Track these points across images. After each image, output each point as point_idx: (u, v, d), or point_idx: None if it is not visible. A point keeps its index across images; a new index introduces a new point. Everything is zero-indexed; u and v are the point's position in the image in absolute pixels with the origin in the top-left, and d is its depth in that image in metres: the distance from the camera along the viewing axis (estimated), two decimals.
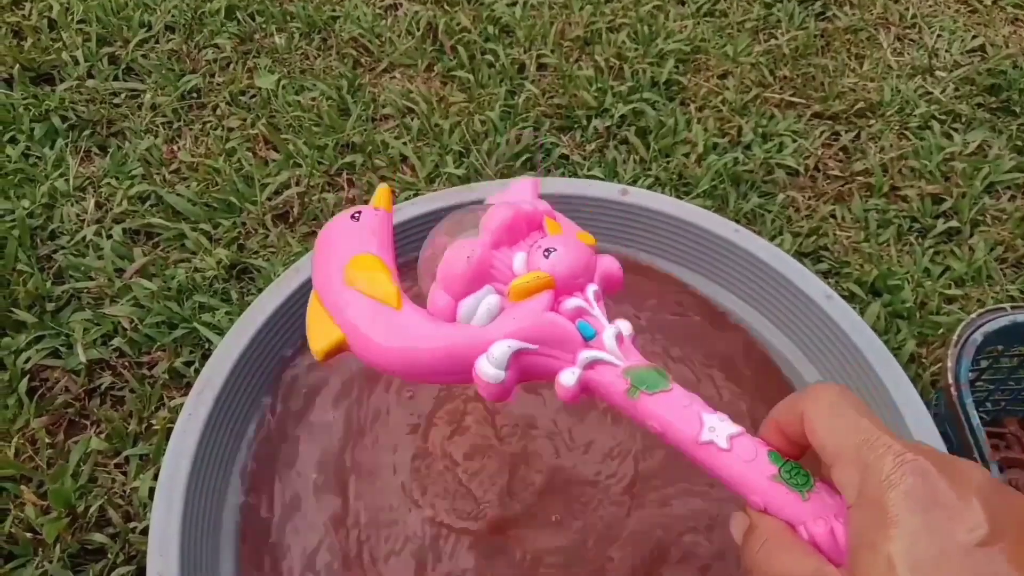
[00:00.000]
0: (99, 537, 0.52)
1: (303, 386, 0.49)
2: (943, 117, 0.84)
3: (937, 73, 0.89)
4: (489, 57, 0.86)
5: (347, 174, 0.75)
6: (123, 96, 0.81)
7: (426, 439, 0.46)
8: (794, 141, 0.80)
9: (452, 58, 0.87)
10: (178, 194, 0.72)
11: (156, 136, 0.78)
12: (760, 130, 0.80)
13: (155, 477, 0.52)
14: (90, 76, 0.83)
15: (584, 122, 0.80)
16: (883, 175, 0.77)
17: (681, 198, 0.66)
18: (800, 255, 0.70)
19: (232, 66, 0.85)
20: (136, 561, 0.52)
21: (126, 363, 0.61)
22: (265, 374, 0.48)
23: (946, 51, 0.92)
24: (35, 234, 0.69)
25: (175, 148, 0.77)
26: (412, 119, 0.80)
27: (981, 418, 0.47)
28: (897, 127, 0.83)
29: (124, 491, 0.55)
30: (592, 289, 0.31)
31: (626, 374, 0.29)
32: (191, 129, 0.79)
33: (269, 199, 0.72)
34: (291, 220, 0.72)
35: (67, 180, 0.72)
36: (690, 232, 0.53)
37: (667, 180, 0.75)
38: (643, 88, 0.84)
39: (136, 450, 0.57)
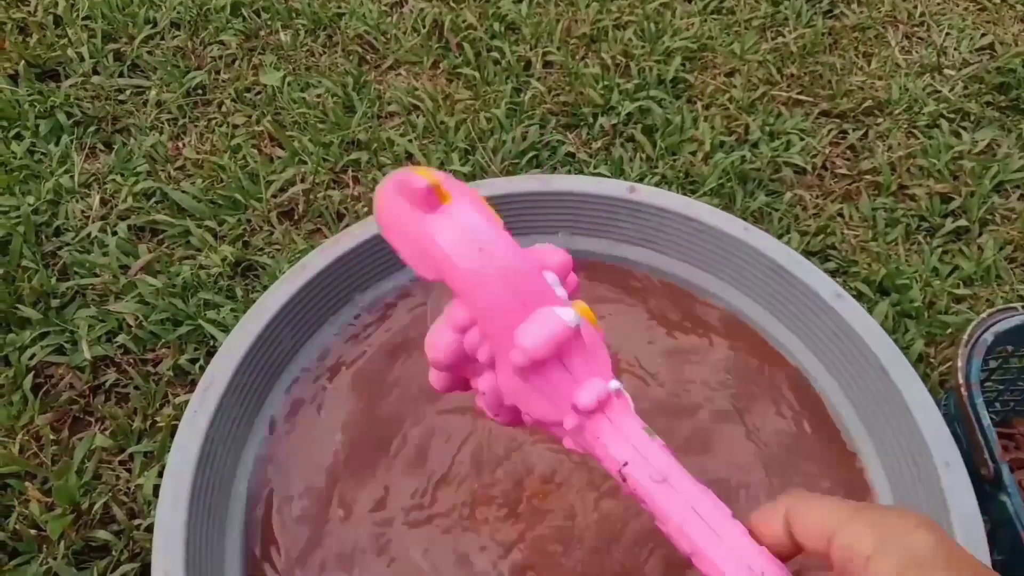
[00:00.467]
0: (103, 534, 0.52)
1: (309, 383, 0.49)
2: (952, 115, 0.83)
3: (946, 71, 0.88)
4: (495, 54, 0.86)
5: (352, 171, 0.75)
6: (128, 93, 0.81)
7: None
8: (801, 139, 0.79)
9: (458, 55, 0.86)
10: (183, 191, 0.72)
11: (161, 133, 0.77)
12: (767, 128, 0.80)
13: (160, 474, 0.52)
14: (95, 72, 0.83)
15: (590, 120, 0.80)
16: (891, 174, 0.77)
17: (688, 196, 0.65)
18: (807, 254, 0.70)
19: (237, 63, 0.85)
20: (140, 558, 0.52)
21: (131, 360, 0.61)
22: (270, 371, 0.48)
23: (955, 49, 0.91)
24: (40, 230, 0.69)
25: (180, 145, 0.77)
26: (418, 116, 0.79)
27: (990, 419, 0.47)
28: (905, 125, 0.82)
29: (128, 488, 0.55)
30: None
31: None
32: (196, 126, 0.79)
33: (274, 196, 0.72)
34: (296, 217, 0.71)
35: (72, 177, 0.72)
36: (699, 230, 0.52)
37: (674, 178, 0.75)
38: (650, 86, 0.83)
39: (141, 447, 0.56)
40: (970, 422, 0.46)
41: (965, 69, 0.88)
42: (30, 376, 0.59)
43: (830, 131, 0.81)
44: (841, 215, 0.74)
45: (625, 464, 0.28)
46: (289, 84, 0.82)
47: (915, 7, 0.96)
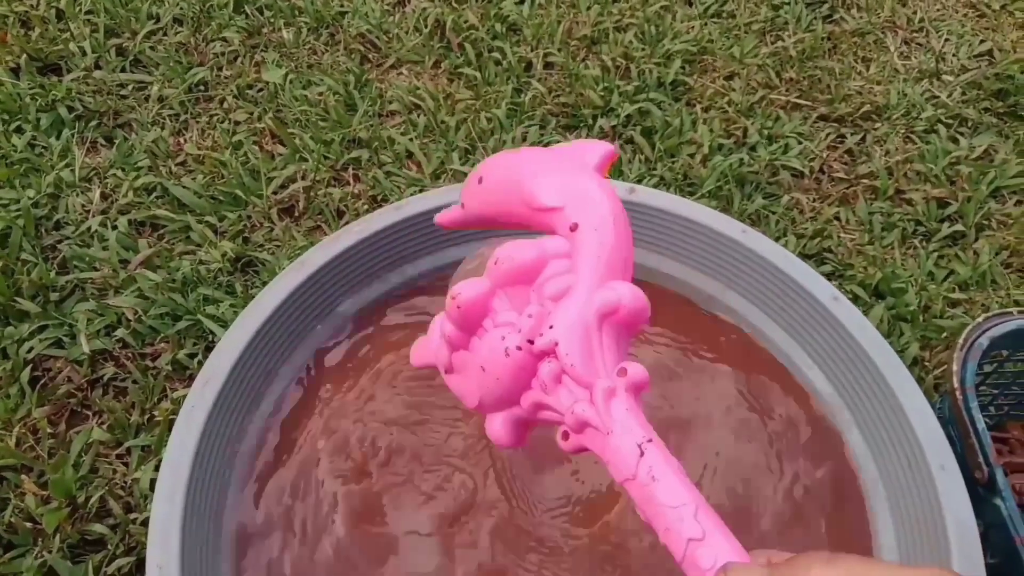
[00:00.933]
0: (99, 528, 0.52)
1: (307, 379, 0.49)
2: (949, 121, 0.83)
3: (944, 77, 0.88)
4: (496, 55, 0.86)
5: (353, 169, 0.75)
6: (130, 88, 0.81)
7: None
8: (799, 143, 0.80)
9: (459, 55, 0.86)
10: (184, 186, 0.72)
11: (163, 128, 0.78)
12: (766, 131, 0.80)
13: (156, 468, 0.52)
14: (97, 67, 0.83)
15: (590, 121, 0.80)
16: (888, 178, 0.77)
17: (686, 198, 0.66)
18: (804, 256, 0.70)
19: (240, 60, 0.85)
20: (136, 552, 0.52)
21: (129, 354, 0.61)
22: (268, 367, 0.48)
23: (953, 55, 0.91)
24: (40, 224, 0.69)
25: (181, 140, 0.77)
26: (418, 115, 0.80)
27: (984, 423, 0.47)
28: (903, 130, 0.83)
29: (125, 482, 0.55)
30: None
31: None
32: (198, 122, 0.79)
33: (275, 193, 0.72)
34: (296, 214, 0.72)
35: (73, 171, 0.72)
36: (697, 232, 0.53)
37: (672, 180, 0.75)
38: (649, 88, 0.83)
39: (138, 441, 0.57)
40: (965, 426, 0.47)
41: (963, 75, 0.88)
42: (28, 369, 0.59)
43: (828, 135, 0.81)
44: (838, 218, 0.74)
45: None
46: (291, 81, 0.82)
47: (914, 13, 0.96)
